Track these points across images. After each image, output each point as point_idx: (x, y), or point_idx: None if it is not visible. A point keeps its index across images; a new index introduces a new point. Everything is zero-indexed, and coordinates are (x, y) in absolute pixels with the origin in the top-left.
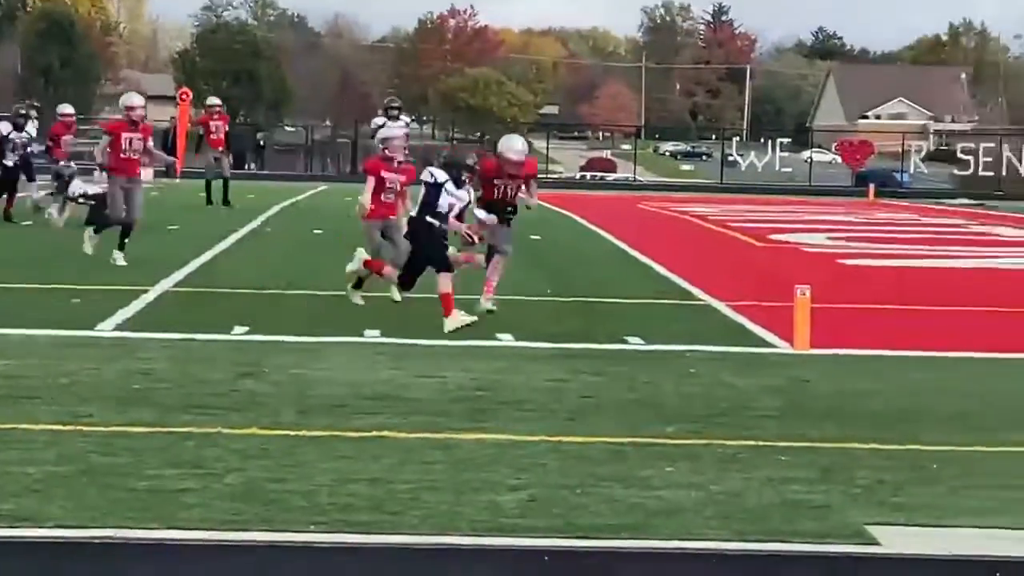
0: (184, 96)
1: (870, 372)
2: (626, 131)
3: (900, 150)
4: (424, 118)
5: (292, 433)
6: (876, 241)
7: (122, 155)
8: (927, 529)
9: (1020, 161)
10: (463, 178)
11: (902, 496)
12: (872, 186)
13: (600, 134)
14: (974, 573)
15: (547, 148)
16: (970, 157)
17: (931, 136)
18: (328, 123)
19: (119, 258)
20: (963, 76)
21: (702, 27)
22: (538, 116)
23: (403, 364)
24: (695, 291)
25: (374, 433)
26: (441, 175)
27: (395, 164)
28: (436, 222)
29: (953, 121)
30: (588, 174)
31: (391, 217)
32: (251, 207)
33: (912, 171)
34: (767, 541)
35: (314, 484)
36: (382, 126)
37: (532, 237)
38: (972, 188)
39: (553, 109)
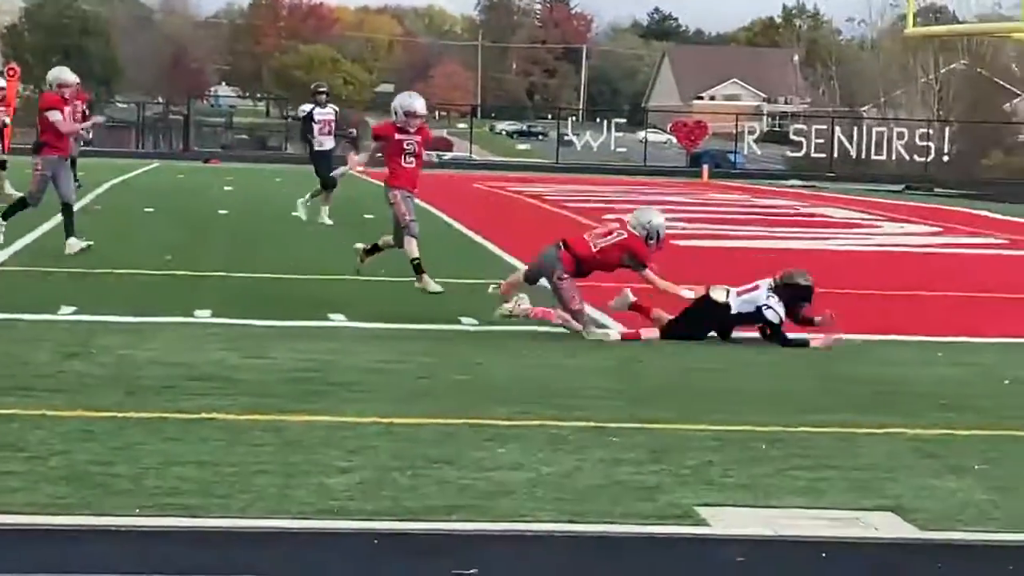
0: (11, 72)
1: (702, 353)
2: (462, 110)
3: (734, 131)
4: (259, 95)
5: (119, 415)
6: (709, 222)
7: None
8: (755, 510)
9: (851, 143)
10: None
11: (731, 477)
12: (706, 167)
13: (436, 113)
14: (801, 553)
15: None
16: (802, 139)
17: (764, 117)
18: (160, 100)
19: None
20: (795, 58)
21: (538, 6)
22: (373, 94)
23: (233, 345)
24: None
25: (203, 415)
26: None
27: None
28: None
29: (786, 103)
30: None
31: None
32: (81, 184)
33: (746, 152)
34: (597, 523)
35: (141, 467)
36: (311, 112)
37: (366, 216)
38: (804, 169)
39: (389, 87)
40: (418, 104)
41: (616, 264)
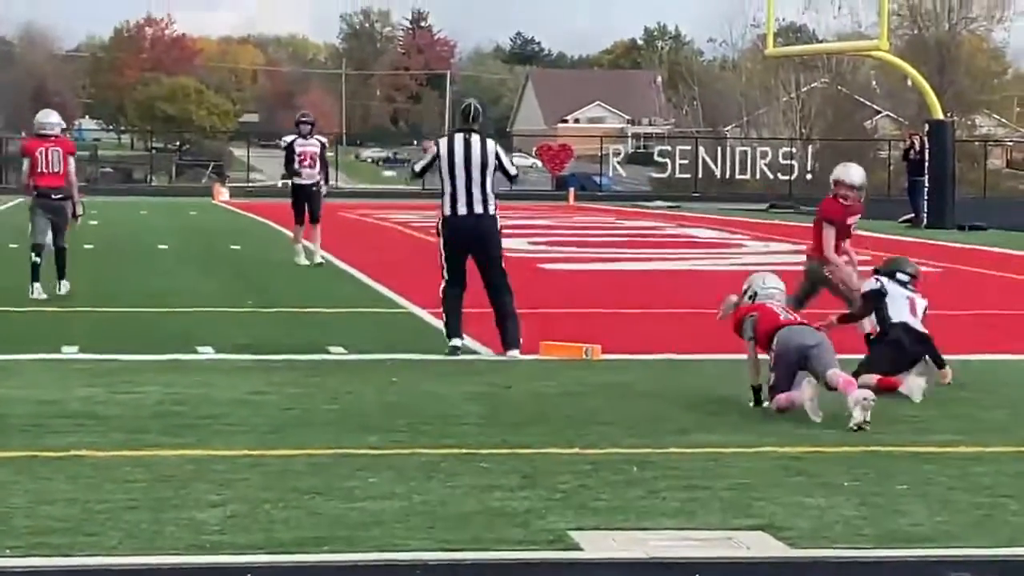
0: None
1: (570, 376)
2: (327, 138)
3: (599, 154)
4: (122, 128)
5: None
6: (575, 245)
7: None
8: (628, 533)
9: (715, 163)
10: None
11: (603, 500)
12: (572, 190)
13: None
14: (675, 574)
15: (247, 156)
16: (667, 160)
17: (629, 139)
18: (22, 134)
19: None
20: (658, 80)
21: (401, 33)
22: (238, 124)
23: (101, 380)
24: (397, 298)
25: (71, 452)
26: None
27: None
28: None
29: (650, 124)
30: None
31: None
32: None
33: (611, 174)
34: (471, 550)
35: (8, 507)
36: (292, 142)
37: (232, 247)
38: (669, 190)
39: (253, 117)
40: None
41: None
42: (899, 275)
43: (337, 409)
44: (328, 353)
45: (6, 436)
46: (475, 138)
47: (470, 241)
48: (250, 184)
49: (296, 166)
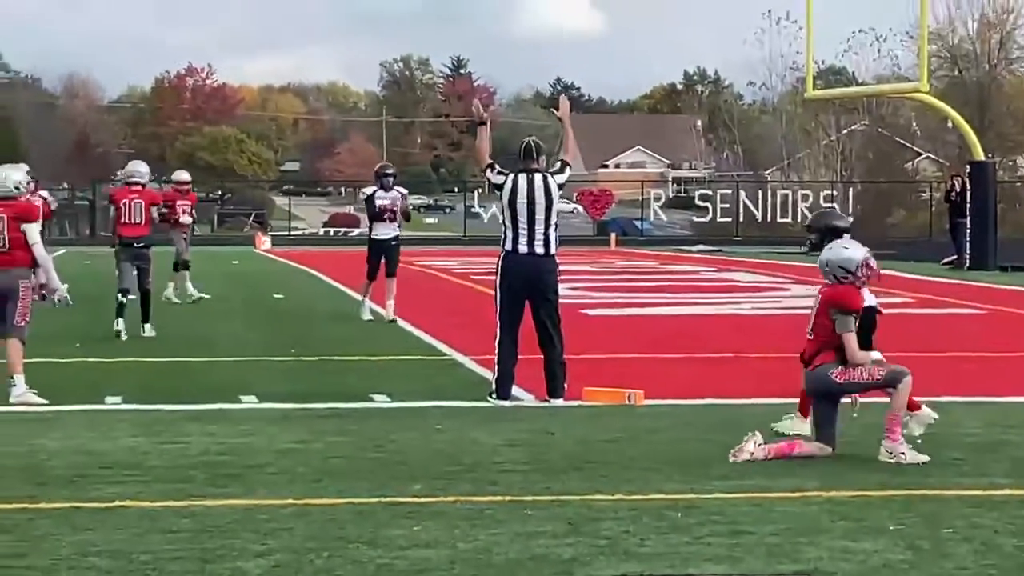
0: None
1: (614, 422)
2: (368, 186)
3: (640, 198)
4: (164, 178)
5: (30, 506)
6: (617, 290)
7: None
8: None
9: (756, 206)
10: None
11: (647, 547)
12: (613, 235)
13: (342, 189)
14: None
15: (289, 205)
16: (708, 204)
17: (669, 184)
18: (66, 186)
19: None
20: (698, 124)
21: (441, 81)
22: (279, 173)
23: (145, 430)
24: (440, 346)
25: (116, 503)
26: None
27: None
28: None
29: (691, 168)
30: (331, 230)
31: None
32: None
33: (652, 219)
34: None
35: (54, 559)
36: (373, 194)
37: (275, 296)
38: (710, 234)
39: (294, 165)
40: None
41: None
42: (846, 235)
43: (381, 457)
44: (372, 401)
45: (50, 487)
46: (538, 177)
47: (528, 281)
48: (292, 233)
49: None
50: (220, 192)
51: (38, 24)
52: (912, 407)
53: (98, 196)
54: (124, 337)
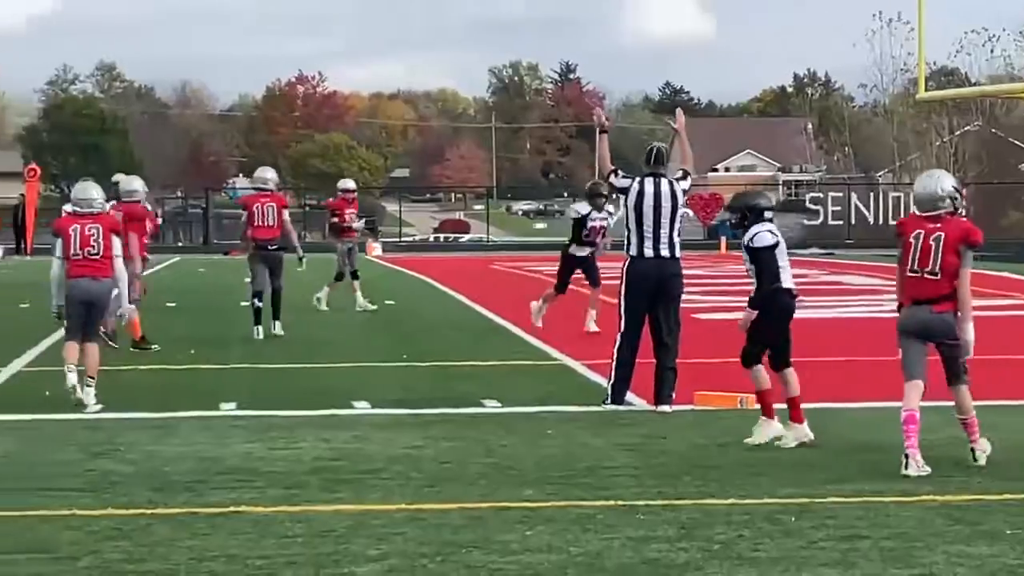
0: (32, 173)
1: (726, 426)
2: (478, 192)
3: None
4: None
5: (147, 512)
6: (728, 294)
7: None
8: None
9: (868, 209)
10: None
11: (761, 551)
12: (723, 238)
13: (452, 195)
14: None
15: (399, 211)
16: (819, 207)
17: (780, 187)
18: (180, 194)
19: None
20: (808, 126)
21: (550, 86)
22: (389, 180)
23: (259, 437)
24: (551, 351)
25: (231, 509)
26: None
27: None
28: None
29: (801, 171)
30: (441, 236)
31: None
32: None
33: None
34: None
35: (171, 564)
36: (587, 215)
37: (387, 302)
38: (822, 237)
39: (404, 172)
40: None
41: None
42: (767, 213)
43: (493, 462)
44: (483, 406)
45: (168, 493)
46: (664, 182)
47: (653, 284)
48: (402, 239)
49: (582, 239)
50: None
51: (151, 35)
52: (796, 419)
53: (211, 204)
54: (260, 336)
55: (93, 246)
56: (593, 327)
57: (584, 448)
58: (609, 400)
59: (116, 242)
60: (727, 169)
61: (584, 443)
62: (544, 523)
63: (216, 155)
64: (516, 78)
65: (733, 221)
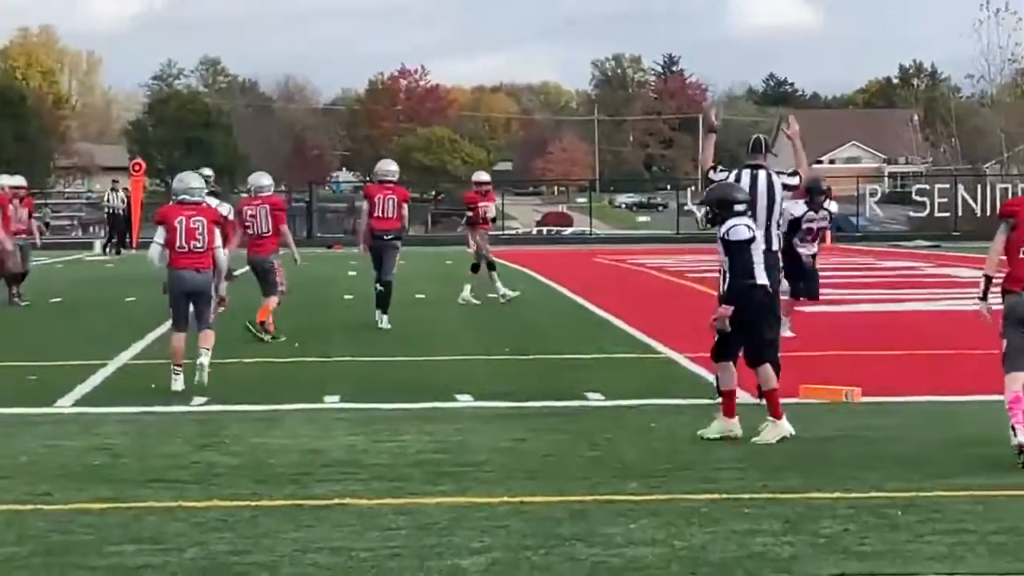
0: (137, 167)
1: (831, 420)
2: (581, 185)
3: (855, 194)
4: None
5: (252, 504)
6: (833, 287)
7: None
8: None
9: (975, 201)
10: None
11: (867, 545)
12: (829, 231)
13: (555, 188)
14: None
15: (502, 204)
16: (925, 199)
17: (886, 179)
18: (283, 187)
19: None
20: (914, 118)
21: (653, 78)
22: (492, 173)
23: (363, 429)
24: (654, 344)
25: (335, 501)
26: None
27: None
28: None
29: (907, 163)
30: (544, 229)
31: None
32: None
33: (868, 214)
34: None
35: (276, 555)
36: (803, 215)
37: (489, 295)
38: (928, 229)
39: (507, 165)
40: None
41: None
42: (737, 206)
43: (596, 455)
44: (586, 399)
45: (273, 485)
46: (762, 173)
47: None
48: (505, 232)
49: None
50: (434, 192)
51: (255, 29)
52: (776, 414)
53: (315, 198)
54: (384, 326)
55: (198, 239)
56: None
57: (688, 441)
58: (718, 393)
59: (218, 234)
60: (832, 161)
61: (688, 436)
62: (648, 516)
63: (319, 149)
64: (619, 70)
65: (709, 216)
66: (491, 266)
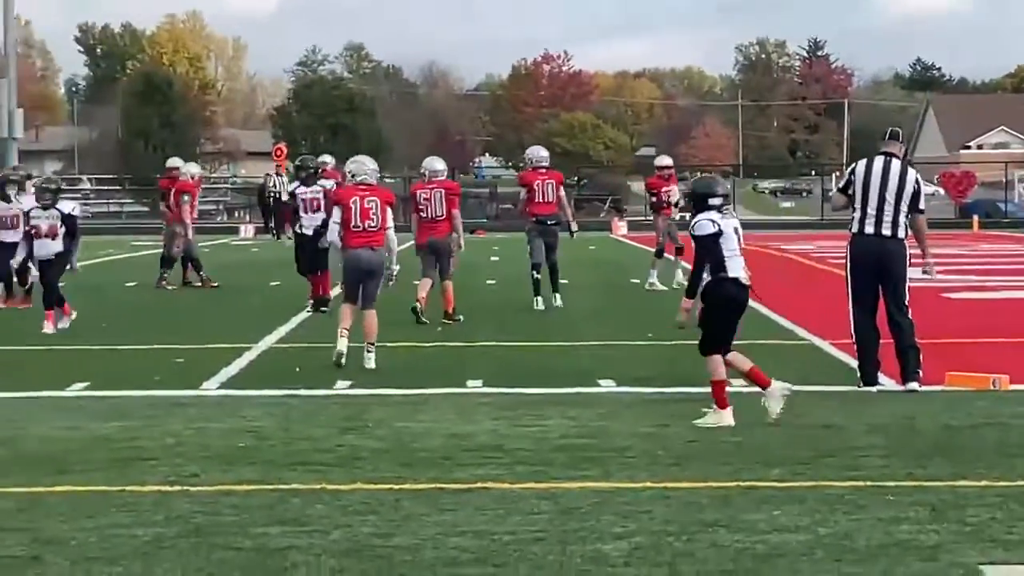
0: (279, 152)
1: (978, 408)
2: (724, 170)
3: (1004, 180)
4: (520, 164)
5: (396, 487)
6: (981, 273)
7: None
8: None
9: None
10: None
11: (1015, 534)
12: (976, 217)
13: (698, 174)
14: None
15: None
16: None
17: None
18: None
19: None
20: None
21: (798, 63)
22: (635, 158)
23: (505, 414)
24: (798, 330)
25: (478, 485)
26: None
27: None
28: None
29: None
30: (687, 214)
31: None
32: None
33: (1017, 200)
34: None
35: (419, 538)
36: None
37: (631, 280)
38: None
39: (650, 150)
40: None
41: None
42: (712, 200)
43: (739, 441)
44: (730, 385)
45: (417, 468)
46: (895, 162)
47: (873, 263)
48: (647, 218)
49: None
50: (576, 178)
51: (398, 16)
52: (763, 382)
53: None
54: (540, 307)
55: (372, 219)
56: None
57: (832, 428)
58: (862, 383)
59: (390, 214)
60: (979, 147)
61: (832, 423)
62: (792, 503)
63: (462, 134)
64: (763, 55)
65: (689, 208)
66: (658, 254)
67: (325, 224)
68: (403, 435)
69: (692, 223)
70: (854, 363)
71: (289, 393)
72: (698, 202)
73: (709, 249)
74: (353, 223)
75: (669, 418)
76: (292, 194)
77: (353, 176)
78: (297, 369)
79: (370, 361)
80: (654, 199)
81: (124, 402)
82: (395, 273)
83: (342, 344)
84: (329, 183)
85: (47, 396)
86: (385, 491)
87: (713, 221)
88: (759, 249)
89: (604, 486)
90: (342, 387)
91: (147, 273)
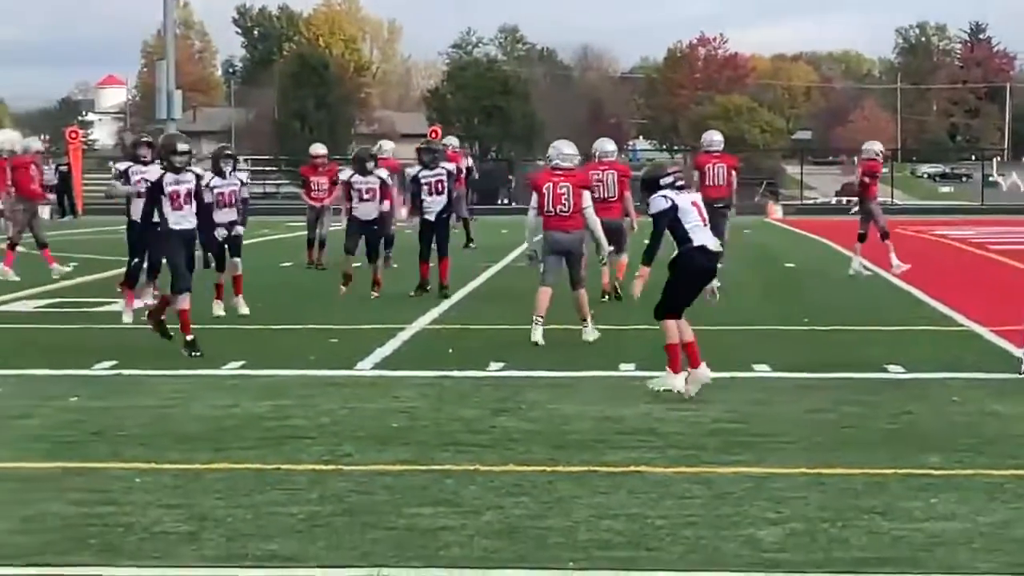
0: (433, 134)
1: None
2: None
3: None
4: (675, 148)
5: (548, 469)
6: None
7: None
8: None
9: None
10: None
11: None
12: None
13: (856, 158)
14: None
15: (801, 173)
16: None
17: None
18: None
19: None
20: None
21: (959, 46)
22: (791, 142)
23: (658, 398)
24: (956, 316)
25: (631, 468)
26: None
27: None
28: None
29: None
30: (844, 199)
31: None
32: (503, 243)
33: None
34: None
35: (572, 520)
36: None
37: (787, 265)
38: None
39: (806, 134)
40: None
41: None
42: (662, 181)
43: (896, 428)
44: (886, 372)
45: (570, 451)
46: None
47: None
48: (803, 202)
49: None
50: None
51: None
52: (693, 362)
53: None
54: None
55: (564, 204)
56: None
57: (991, 416)
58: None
59: (586, 196)
60: None
61: (991, 411)
62: (950, 491)
63: (616, 117)
64: (923, 38)
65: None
66: (861, 238)
67: (446, 208)
68: (555, 417)
69: (649, 205)
70: (1015, 350)
71: (442, 374)
72: (651, 188)
73: (666, 223)
74: (546, 208)
75: (824, 403)
76: (415, 178)
77: (550, 161)
78: (450, 351)
79: (591, 334)
80: (868, 181)
81: (279, 381)
82: (605, 253)
83: (537, 335)
84: (384, 172)
85: (203, 375)
86: (538, 473)
87: (666, 197)
88: (918, 235)
89: (757, 471)
90: (494, 369)
91: (302, 254)
